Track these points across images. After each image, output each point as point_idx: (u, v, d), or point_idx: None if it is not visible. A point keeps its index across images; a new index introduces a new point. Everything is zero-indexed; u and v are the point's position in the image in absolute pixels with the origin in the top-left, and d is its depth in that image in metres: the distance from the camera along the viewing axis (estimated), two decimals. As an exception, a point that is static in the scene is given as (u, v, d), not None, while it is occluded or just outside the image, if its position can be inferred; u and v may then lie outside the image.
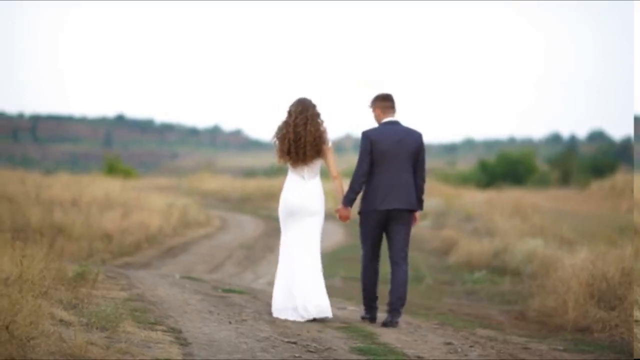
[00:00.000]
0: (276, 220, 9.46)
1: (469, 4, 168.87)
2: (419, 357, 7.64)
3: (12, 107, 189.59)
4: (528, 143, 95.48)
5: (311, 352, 7.45)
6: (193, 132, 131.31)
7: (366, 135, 9.16)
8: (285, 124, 9.20)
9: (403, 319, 9.43)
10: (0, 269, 8.45)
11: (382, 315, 9.42)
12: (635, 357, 8.37)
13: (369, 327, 8.93)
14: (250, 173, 59.25)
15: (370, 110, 9.37)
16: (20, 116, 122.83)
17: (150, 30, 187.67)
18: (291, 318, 8.98)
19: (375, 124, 9.31)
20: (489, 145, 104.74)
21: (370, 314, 9.36)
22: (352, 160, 10.17)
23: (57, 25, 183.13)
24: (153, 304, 9.29)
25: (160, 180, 43.70)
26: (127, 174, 42.14)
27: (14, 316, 6.29)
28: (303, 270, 9.04)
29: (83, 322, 7.55)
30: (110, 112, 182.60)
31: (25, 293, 7.11)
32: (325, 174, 9.39)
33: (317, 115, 9.18)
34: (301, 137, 9.09)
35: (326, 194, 9.33)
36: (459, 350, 8.13)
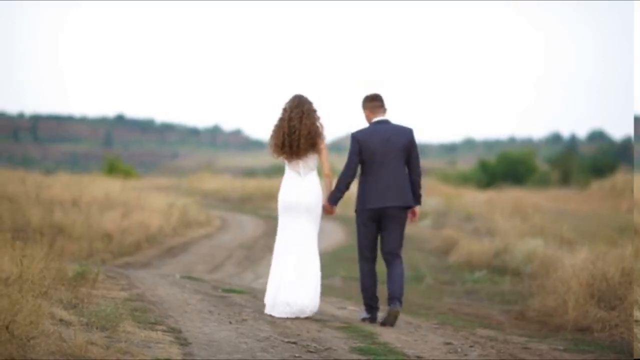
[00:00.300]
0: (276, 220, 9.47)
1: (469, 4, 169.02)
2: (419, 357, 7.64)
3: (12, 107, 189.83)
4: (528, 143, 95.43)
5: (311, 352, 7.45)
6: (193, 132, 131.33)
7: (354, 136, 9.29)
8: (280, 119, 9.23)
9: (403, 319, 9.43)
10: (0, 268, 8.46)
11: (382, 315, 9.42)
12: (635, 357, 8.37)
13: (369, 327, 8.93)
14: (250, 173, 59.28)
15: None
16: (21, 116, 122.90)
17: (150, 30, 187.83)
18: (283, 315, 8.99)
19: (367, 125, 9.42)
20: (489, 145, 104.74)
21: (371, 315, 9.36)
22: (352, 160, 10.17)
23: (57, 25, 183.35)
24: (153, 303, 9.29)
25: (160, 180, 43.68)
26: (127, 174, 42.13)
27: (14, 316, 6.29)
28: (294, 269, 9.07)
29: (83, 322, 7.55)
30: (111, 112, 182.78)
31: (25, 293, 7.11)
32: (318, 171, 9.42)
33: (314, 111, 9.23)
34: (296, 130, 9.13)
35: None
36: (459, 350, 8.13)
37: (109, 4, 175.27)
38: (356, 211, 9.33)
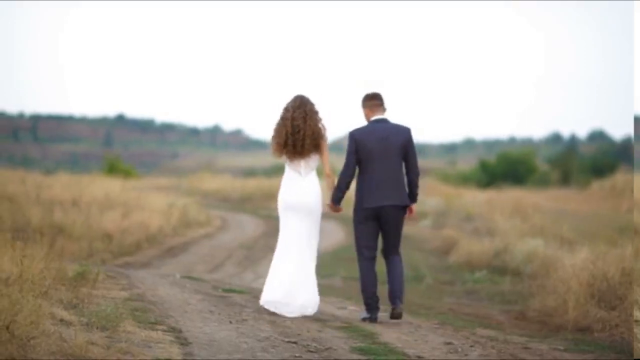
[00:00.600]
0: (276, 219, 9.49)
1: (469, 4, 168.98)
2: (419, 356, 7.64)
3: (12, 107, 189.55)
4: (528, 143, 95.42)
5: (311, 352, 7.46)
6: (193, 132, 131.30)
7: (352, 134, 9.31)
8: (283, 119, 9.24)
9: (403, 319, 9.42)
10: (0, 269, 8.46)
11: (382, 315, 9.43)
12: (635, 357, 8.36)
13: (369, 327, 8.93)
14: (250, 173, 59.28)
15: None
16: (21, 116, 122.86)
17: (150, 30, 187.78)
18: (286, 315, 9.01)
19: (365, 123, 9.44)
20: (489, 145, 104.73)
21: (371, 314, 9.37)
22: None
23: (57, 25, 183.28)
24: (153, 303, 9.29)
25: (160, 180, 43.67)
26: (127, 174, 42.14)
27: (14, 316, 6.29)
28: (295, 268, 9.09)
29: (83, 322, 7.55)
30: (111, 112, 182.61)
31: (25, 293, 7.11)
32: (318, 171, 9.44)
33: (316, 112, 9.26)
34: (300, 129, 9.16)
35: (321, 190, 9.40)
36: (459, 350, 8.13)
37: (109, 4, 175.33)
38: (353, 210, 9.35)
